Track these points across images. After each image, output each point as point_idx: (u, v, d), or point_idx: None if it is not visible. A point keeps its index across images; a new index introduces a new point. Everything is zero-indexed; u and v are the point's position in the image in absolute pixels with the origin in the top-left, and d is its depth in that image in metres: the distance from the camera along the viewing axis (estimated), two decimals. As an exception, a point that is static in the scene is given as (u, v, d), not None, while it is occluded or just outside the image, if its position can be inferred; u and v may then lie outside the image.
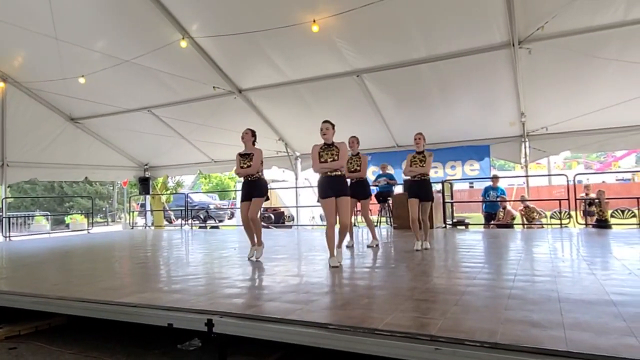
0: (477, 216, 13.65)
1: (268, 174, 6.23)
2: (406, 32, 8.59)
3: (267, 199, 6.29)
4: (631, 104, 8.81)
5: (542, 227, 10.39)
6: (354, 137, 6.95)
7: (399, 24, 8.40)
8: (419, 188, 6.42)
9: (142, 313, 3.55)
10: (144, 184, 15.81)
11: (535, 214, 10.84)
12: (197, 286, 4.40)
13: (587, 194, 10.38)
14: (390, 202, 11.07)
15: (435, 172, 11.27)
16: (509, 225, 10.88)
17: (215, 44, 9.59)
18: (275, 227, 15.16)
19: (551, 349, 2.33)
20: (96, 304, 3.82)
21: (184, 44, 9.17)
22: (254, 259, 6.05)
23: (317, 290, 3.99)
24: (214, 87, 10.78)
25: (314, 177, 14.94)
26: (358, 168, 6.80)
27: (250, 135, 6.16)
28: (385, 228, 11.02)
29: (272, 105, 11.58)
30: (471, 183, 24.14)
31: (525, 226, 10.77)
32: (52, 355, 3.65)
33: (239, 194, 22.00)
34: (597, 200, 9.94)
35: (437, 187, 9.96)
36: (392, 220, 10.86)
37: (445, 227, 10.35)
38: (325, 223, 5.84)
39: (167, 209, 19.04)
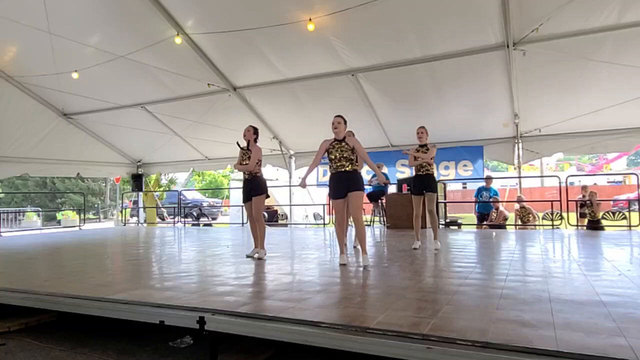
0: (469, 216, 13.71)
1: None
2: (401, 32, 8.60)
3: (268, 196, 6.28)
4: (623, 107, 8.88)
5: (535, 228, 10.45)
6: (350, 131, 6.93)
7: (394, 24, 8.41)
8: (422, 182, 6.48)
9: (133, 310, 3.53)
10: (137, 181, 15.73)
11: (530, 216, 10.88)
12: (189, 284, 4.39)
13: (583, 195, 10.42)
14: (383, 201, 11.08)
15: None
16: (502, 226, 10.93)
17: (210, 40, 9.55)
18: (269, 225, 15.14)
19: (542, 349, 2.34)
20: (87, 300, 3.80)
21: (178, 40, 9.12)
22: (256, 256, 6.01)
23: (309, 288, 3.99)
24: (208, 84, 10.74)
25: (308, 176, 14.93)
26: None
27: (252, 133, 6.16)
28: (378, 228, 11.04)
29: (266, 103, 11.56)
30: (464, 183, 24.24)
31: (518, 227, 10.82)
32: (41, 351, 3.62)
33: (232, 192, 21.84)
34: (588, 202, 10.01)
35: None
36: (385, 220, 10.88)
37: (438, 227, 10.36)
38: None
39: (160, 206, 18.97)
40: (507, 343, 2.42)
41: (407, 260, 5.55)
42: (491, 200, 11.20)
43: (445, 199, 11.29)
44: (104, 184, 35.38)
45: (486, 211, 11.46)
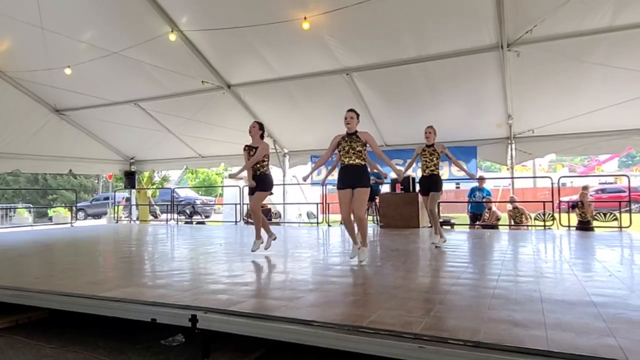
0: (462, 216, 13.76)
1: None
2: (396, 32, 8.61)
3: (271, 193, 6.27)
4: (615, 109, 8.94)
5: (527, 229, 10.51)
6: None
7: (389, 24, 8.42)
8: (428, 182, 6.56)
9: (125, 308, 3.52)
10: (130, 178, 15.65)
11: (523, 217, 10.93)
12: (181, 282, 4.37)
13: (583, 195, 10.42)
14: (377, 200, 11.10)
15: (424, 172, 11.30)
16: (494, 226, 10.98)
17: (204, 38, 9.51)
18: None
19: (533, 349, 2.36)
20: (78, 298, 3.77)
21: (172, 37, 9.08)
22: (261, 246, 6.07)
23: (302, 287, 3.99)
24: (202, 81, 10.70)
25: (301, 175, 14.93)
26: None
27: (258, 129, 6.08)
28: (371, 227, 11.05)
29: (261, 101, 11.53)
30: (457, 183, 24.33)
31: (510, 227, 10.88)
32: (32, 349, 3.59)
33: (226, 190, 21.76)
34: (580, 202, 10.07)
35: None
36: (378, 219, 10.90)
37: (431, 226, 10.40)
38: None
39: (153, 203, 18.89)
40: (499, 343, 2.44)
41: (399, 260, 5.56)
42: (484, 200, 11.26)
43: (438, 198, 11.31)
44: (96, 181, 35.21)
45: (479, 211, 11.51)
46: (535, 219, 11.00)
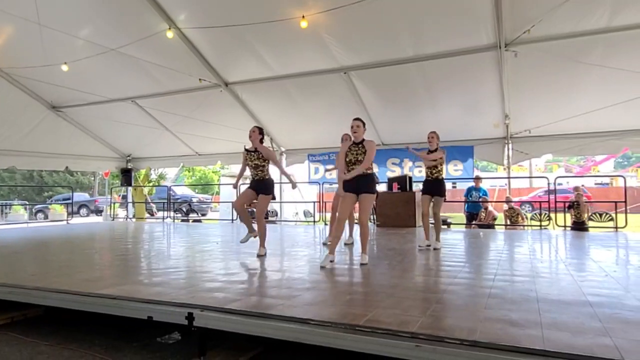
0: (459, 216, 13.79)
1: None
2: (394, 31, 8.60)
3: (274, 197, 6.24)
4: (612, 110, 8.96)
5: (523, 229, 10.54)
6: (347, 134, 6.94)
7: (387, 23, 8.41)
8: (431, 186, 6.51)
9: (121, 305, 3.51)
10: (126, 176, 15.60)
11: (519, 217, 10.96)
12: (178, 279, 4.37)
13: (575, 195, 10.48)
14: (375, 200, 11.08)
15: (420, 172, 11.33)
16: (490, 226, 11.00)
17: (202, 35, 9.48)
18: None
19: (529, 348, 2.37)
20: (74, 295, 3.76)
21: (170, 34, 9.04)
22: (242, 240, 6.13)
23: (299, 286, 3.99)
24: (200, 79, 10.66)
25: (298, 173, 14.92)
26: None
27: (258, 134, 6.00)
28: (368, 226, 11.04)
29: (258, 99, 11.51)
30: (454, 183, 24.39)
31: (507, 227, 10.91)
32: (27, 346, 3.58)
33: (222, 188, 21.68)
34: (575, 203, 10.10)
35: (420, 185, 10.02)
36: (375, 219, 10.90)
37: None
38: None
39: (149, 201, 18.84)
40: (495, 342, 2.45)
41: (396, 259, 5.57)
42: (480, 200, 11.28)
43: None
44: (92, 178, 35.08)
45: (475, 211, 11.54)
46: (531, 218, 11.04)
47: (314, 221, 12.91)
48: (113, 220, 15.85)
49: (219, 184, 24.74)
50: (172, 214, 16.14)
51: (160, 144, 14.25)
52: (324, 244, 7.21)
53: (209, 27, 8.97)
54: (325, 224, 11.80)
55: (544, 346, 2.38)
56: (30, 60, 10.37)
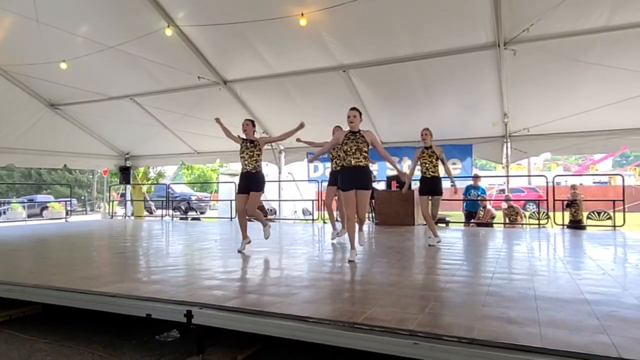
0: (457, 214, 13.80)
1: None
2: (393, 29, 8.60)
3: (262, 192, 6.33)
4: (610, 109, 8.97)
5: (521, 227, 10.55)
6: (338, 126, 6.96)
7: (386, 21, 8.41)
8: (430, 185, 6.51)
9: (120, 303, 3.51)
10: (125, 173, 15.59)
11: (518, 216, 10.97)
12: (176, 277, 4.37)
13: (573, 194, 10.49)
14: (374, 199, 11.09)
15: (419, 170, 11.31)
16: (489, 224, 11.02)
17: (201, 33, 9.47)
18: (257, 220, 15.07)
19: (527, 345, 2.37)
20: (73, 292, 3.76)
21: (169, 32, 9.03)
22: (241, 248, 6.13)
23: (297, 283, 4.00)
24: (198, 77, 10.66)
25: (297, 172, 14.92)
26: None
27: (252, 126, 6.28)
28: (367, 224, 11.06)
29: (257, 97, 11.50)
30: (452, 182, 24.34)
31: (505, 225, 10.92)
32: (26, 344, 3.58)
33: (221, 186, 21.65)
34: (573, 201, 10.12)
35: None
36: (374, 217, 10.91)
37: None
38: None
39: (148, 199, 18.82)
40: (493, 339, 2.45)
41: (395, 257, 5.57)
42: (479, 198, 11.29)
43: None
44: (91, 176, 35.06)
45: (474, 209, 11.54)
46: (530, 217, 11.04)
47: (313, 219, 12.91)
48: (112, 218, 15.83)
49: (218, 182, 24.70)
50: (170, 212, 16.13)
51: (159, 142, 14.24)
52: (333, 239, 7.26)
53: (207, 25, 8.95)
54: (325, 222, 11.81)
55: (541, 344, 2.38)
56: (29, 58, 10.34)
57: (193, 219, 16.92)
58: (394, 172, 11.57)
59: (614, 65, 8.14)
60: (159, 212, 19.31)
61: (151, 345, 3.53)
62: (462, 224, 11.67)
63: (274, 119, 12.30)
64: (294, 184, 15.51)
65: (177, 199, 22.09)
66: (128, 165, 15.67)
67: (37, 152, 12.95)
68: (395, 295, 3.52)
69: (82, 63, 10.17)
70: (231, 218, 13.38)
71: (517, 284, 3.90)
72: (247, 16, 8.48)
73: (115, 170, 16.25)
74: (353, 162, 5.17)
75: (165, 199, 16.62)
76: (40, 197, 26.31)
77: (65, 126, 13.31)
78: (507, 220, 11.00)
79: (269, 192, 16.56)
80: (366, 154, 5.21)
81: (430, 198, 6.53)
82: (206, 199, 26.96)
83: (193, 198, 24.25)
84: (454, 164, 11.52)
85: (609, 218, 10.34)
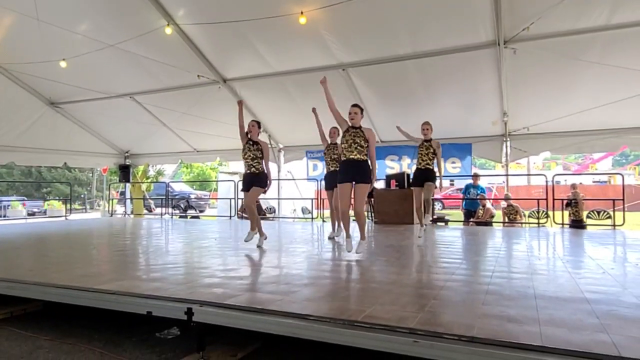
0: (457, 213, 13.81)
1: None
2: (393, 28, 8.60)
3: (265, 191, 6.37)
4: (610, 108, 8.98)
5: (521, 226, 10.56)
6: (335, 127, 7.00)
7: (386, 20, 8.40)
8: (422, 174, 6.70)
9: (120, 300, 3.52)
10: (124, 172, 15.59)
11: (518, 215, 10.98)
12: (176, 275, 4.37)
13: (573, 193, 10.50)
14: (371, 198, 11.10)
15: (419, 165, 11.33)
16: (488, 223, 11.03)
17: (200, 31, 9.46)
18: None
19: (526, 344, 2.38)
20: (73, 290, 3.77)
21: (169, 30, 9.02)
22: (260, 243, 6.30)
23: (297, 281, 4.00)
24: (198, 75, 10.65)
25: (296, 170, 14.91)
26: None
27: (257, 128, 6.42)
28: (366, 223, 11.05)
29: (256, 96, 11.49)
30: (452, 180, 24.42)
31: (504, 224, 10.93)
32: (27, 341, 3.59)
33: (220, 185, 21.71)
34: (574, 201, 10.13)
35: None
36: (373, 215, 10.92)
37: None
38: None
39: (147, 197, 18.83)
40: (493, 338, 2.46)
41: (394, 255, 5.58)
42: (478, 197, 11.30)
43: (432, 195, 11.35)
44: (90, 174, 35.05)
45: (473, 208, 11.55)
46: (529, 216, 11.05)
47: (312, 218, 12.92)
48: (111, 216, 15.84)
49: (217, 181, 24.71)
50: (170, 210, 16.14)
51: (158, 140, 14.23)
52: (330, 238, 7.28)
53: (207, 23, 8.95)
54: (324, 221, 11.83)
55: (541, 342, 2.39)
56: (29, 56, 10.33)
57: (192, 217, 16.93)
58: (394, 171, 11.62)
59: (614, 64, 8.14)
60: (158, 210, 19.34)
61: (151, 343, 3.54)
62: (462, 223, 11.68)
63: (273, 117, 12.30)
64: (293, 182, 15.51)
65: (177, 197, 22.09)
66: (128, 163, 15.67)
67: (37, 150, 12.94)
68: (394, 293, 3.53)
69: (82, 61, 10.16)
70: (230, 216, 13.40)
71: (516, 283, 3.90)
72: (247, 14, 8.47)
73: (115, 169, 16.26)
74: (348, 155, 5.25)
75: (164, 197, 16.65)
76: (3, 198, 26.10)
77: (65, 124, 13.31)
78: (507, 219, 11.02)
79: (269, 191, 16.59)
80: (362, 148, 5.25)
81: (424, 185, 6.63)
82: (205, 197, 26.95)
83: (192, 196, 24.24)
84: (453, 162, 11.53)
85: (609, 217, 10.35)
